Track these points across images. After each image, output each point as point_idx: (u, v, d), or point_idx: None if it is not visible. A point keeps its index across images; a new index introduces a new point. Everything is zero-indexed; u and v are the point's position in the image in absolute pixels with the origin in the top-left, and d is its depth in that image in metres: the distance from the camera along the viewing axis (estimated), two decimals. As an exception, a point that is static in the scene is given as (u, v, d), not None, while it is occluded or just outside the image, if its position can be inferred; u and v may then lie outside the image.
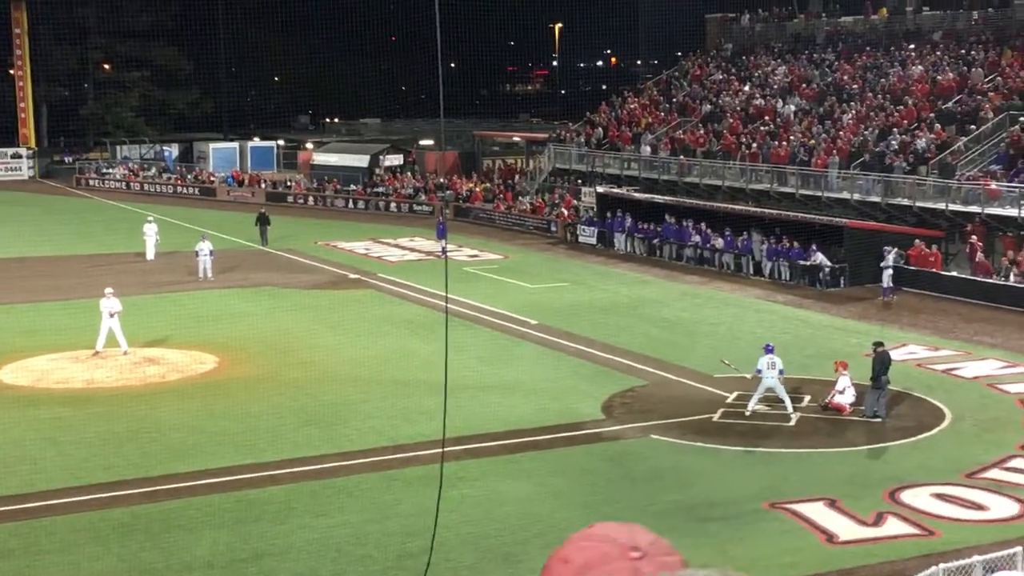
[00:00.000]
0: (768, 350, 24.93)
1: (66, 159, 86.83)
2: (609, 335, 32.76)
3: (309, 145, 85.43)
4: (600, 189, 53.03)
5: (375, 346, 31.66)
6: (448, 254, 45.52)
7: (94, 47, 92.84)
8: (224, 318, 35.06)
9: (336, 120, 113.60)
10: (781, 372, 24.71)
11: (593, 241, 50.30)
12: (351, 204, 65.83)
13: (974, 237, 39.55)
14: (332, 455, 22.16)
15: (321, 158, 75.11)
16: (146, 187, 74.76)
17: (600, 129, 61.40)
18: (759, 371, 24.69)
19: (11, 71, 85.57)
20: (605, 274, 43.89)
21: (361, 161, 71.66)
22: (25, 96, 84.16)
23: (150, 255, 45.54)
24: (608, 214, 50.38)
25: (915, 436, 23.47)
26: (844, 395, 24.81)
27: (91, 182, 77.61)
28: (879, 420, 24.19)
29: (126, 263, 45.06)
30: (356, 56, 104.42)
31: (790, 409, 24.59)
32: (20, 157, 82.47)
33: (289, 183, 70.98)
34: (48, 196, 72.64)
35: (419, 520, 18.17)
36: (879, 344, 25.32)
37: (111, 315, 29.82)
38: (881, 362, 24.58)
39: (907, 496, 19.86)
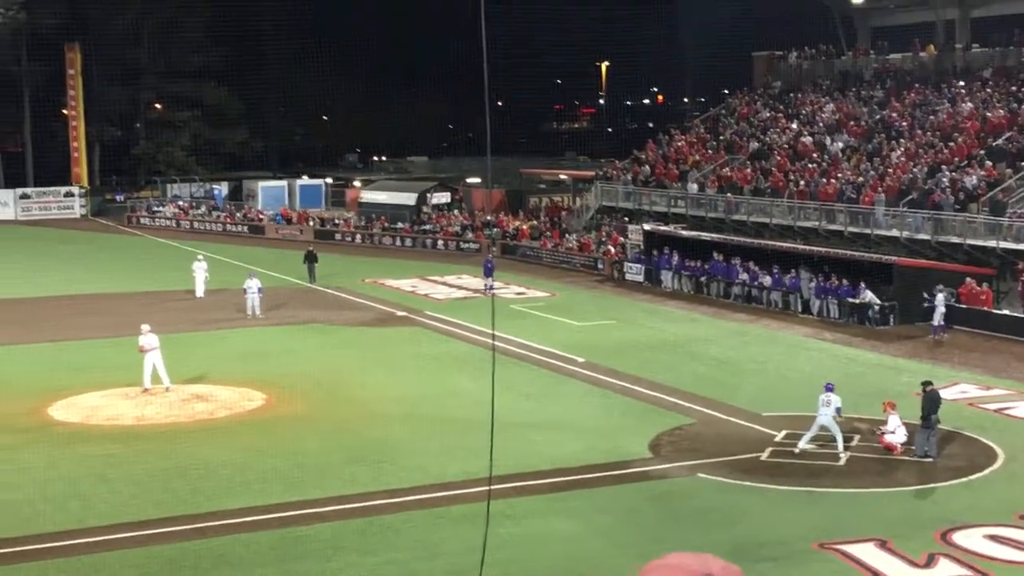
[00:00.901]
0: (828, 388, 24.72)
1: (117, 197, 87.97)
2: (656, 373, 32.63)
3: (357, 183, 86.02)
4: (647, 227, 52.97)
5: (422, 383, 31.70)
6: (495, 292, 45.74)
7: (146, 87, 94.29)
8: (272, 355, 35.27)
9: (384, 158, 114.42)
10: (839, 411, 24.53)
11: (640, 279, 50.20)
12: (398, 242, 66.14)
13: (1026, 275, 39.13)
14: (379, 493, 22.16)
15: (369, 196, 75.57)
16: (196, 225, 75.52)
17: (647, 167, 61.42)
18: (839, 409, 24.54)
19: (64, 111, 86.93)
20: (652, 312, 43.76)
21: (408, 199, 72.02)
22: (78, 136, 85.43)
23: (199, 292, 45.92)
24: (655, 252, 50.30)
25: (967, 476, 23.15)
26: (895, 435, 24.54)
27: (142, 220, 78.55)
28: (931, 460, 23.91)
29: (176, 300, 45.45)
30: (404, 95, 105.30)
31: (840, 448, 24.34)
32: (72, 196, 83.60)
33: (337, 221, 71.44)
34: (99, 234, 73.57)
35: (466, 558, 18.10)
36: (928, 383, 25.05)
37: (147, 351, 30.03)
38: (931, 401, 24.33)
39: (959, 537, 19.57)
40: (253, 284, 42.03)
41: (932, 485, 22.77)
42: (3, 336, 38.35)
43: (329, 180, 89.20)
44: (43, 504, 21.59)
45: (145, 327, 30.69)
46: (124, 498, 21.98)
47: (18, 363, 34.42)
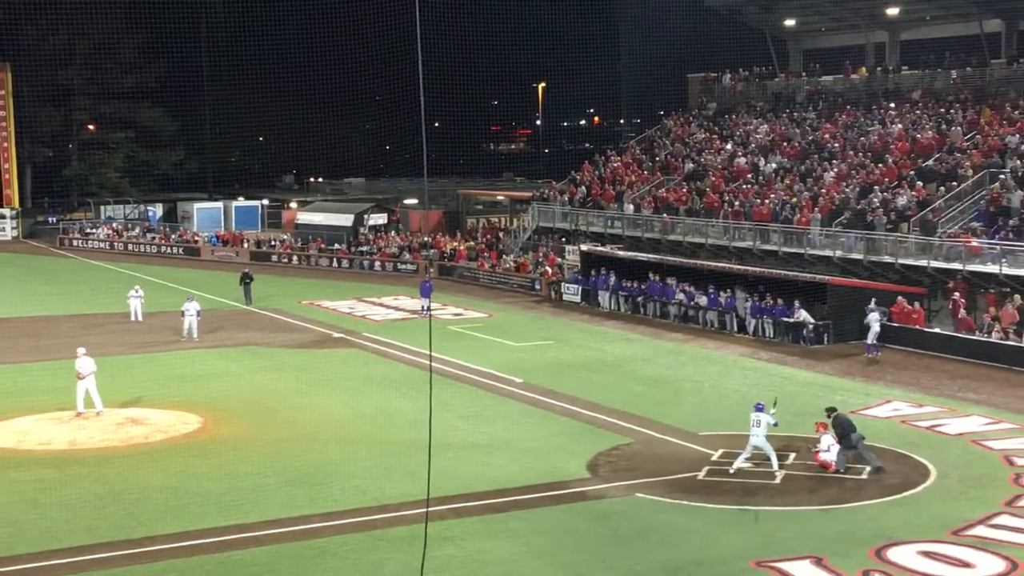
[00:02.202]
0: (758, 408, 24.96)
1: (50, 219, 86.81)
2: (594, 393, 32.73)
3: (293, 204, 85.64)
4: (584, 247, 53.22)
5: (359, 405, 31.56)
6: (432, 313, 45.67)
7: (79, 108, 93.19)
8: (208, 378, 34.95)
9: (320, 179, 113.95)
10: (775, 424, 24.81)
11: (577, 299, 50.37)
12: (335, 263, 65.88)
13: (956, 294, 39.74)
14: (316, 515, 22.00)
15: (305, 217, 75.31)
16: (130, 247, 74.75)
17: (583, 187, 61.72)
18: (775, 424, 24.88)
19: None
20: (590, 332, 43.92)
21: (345, 220, 71.87)
22: (9, 157, 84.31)
23: (137, 317, 45.31)
24: (592, 272, 50.51)
25: (900, 493, 23.43)
26: (829, 453, 24.81)
27: (75, 242, 77.61)
28: (881, 470, 24.37)
29: (111, 323, 44.90)
30: (340, 116, 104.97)
31: (775, 467, 24.55)
32: (3, 218, 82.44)
33: (274, 242, 71.05)
34: (31, 256, 72.59)
35: (404, 581, 18.02)
36: (831, 409, 25.56)
37: (84, 376, 29.70)
38: (840, 425, 24.86)
39: (893, 554, 19.79)
40: (192, 307, 41.73)
41: (866, 502, 23.01)
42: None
43: (265, 201, 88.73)
44: (-28, 531, 21.20)
45: (81, 350, 30.34)
46: (56, 524, 21.64)
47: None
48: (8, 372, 35.68)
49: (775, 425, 24.99)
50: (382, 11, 68.97)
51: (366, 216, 72.80)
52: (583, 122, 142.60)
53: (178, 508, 22.55)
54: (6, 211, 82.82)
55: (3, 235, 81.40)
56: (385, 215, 74.22)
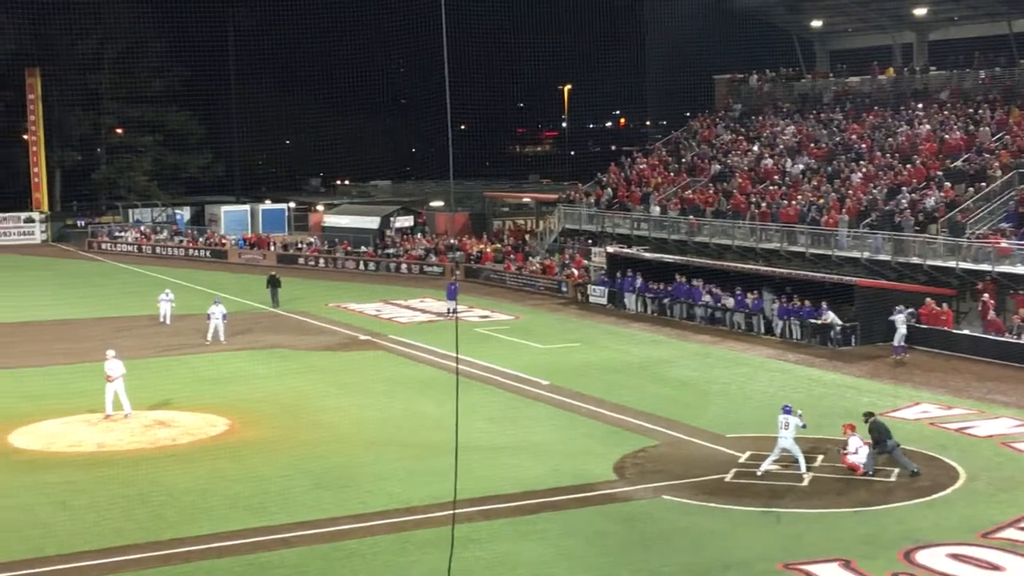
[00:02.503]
0: (786, 411, 24.86)
1: (79, 223, 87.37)
2: (620, 395, 32.70)
3: (320, 207, 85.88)
4: (610, 249, 53.16)
5: (386, 408, 31.63)
6: (459, 315, 45.70)
7: (107, 112, 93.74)
8: (235, 380, 35.10)
9: (347, 182, 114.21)
10: (803, 426, 24.74)
11: (604, 301, 50.32)
12: (362, 266, 66.03)
13: (986, 295, 39.49)
14: (344, 518, 22.06)
15: (332, 220, 75.47)
16: (158, 250, 75.14)
17: (610, 189, 61.66)
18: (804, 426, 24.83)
19: (25, 136, 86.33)
20: (616, 334, 43.87)
21: (372, 223, 72.00)
22: (39, 161, 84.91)
23: (166, 320, 45.45)
24: (619, 274, 50.46)
25: (929, 496, 23.31)
26: (857, 455, 24.70)
27: (103, 245, 78.08)
28: (917, 475, 24.28)
29: (140, 326, 45.13)
30: (367, 118, 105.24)
31: (803, 469, 24.46)
32: (33, 221, 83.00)
33: (300, 245, 71.29)
34: (60, 260, 73.06)
35: (431, 583, 18.05)
36: (869, 414, 25.42)
37: (114, 379, 29.89)
38: (877, 431, 24.70)
39: (922, 556, 19.69)
40: (218, 310, 41.89)
41: (895, 505, 22.89)
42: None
43: (292, 204, 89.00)
44: (1, 533, 21.34)
45: (110, 353, 30.54)
46: (85, 526, 21.78)
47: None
48: (37, 375, 35.92)
49: (803, 427, 24.91)
50: (408, 13, 69.15)
51: (392, 219, 72.92)
52: (609, 124, 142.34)
53: (207, 510, 22.65)
54: (36, 215, 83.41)
55: (33, 239, 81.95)
56: (411, 218, 74.31)
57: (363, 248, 68.02)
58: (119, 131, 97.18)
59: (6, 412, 30.84)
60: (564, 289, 54.16)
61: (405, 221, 73.39)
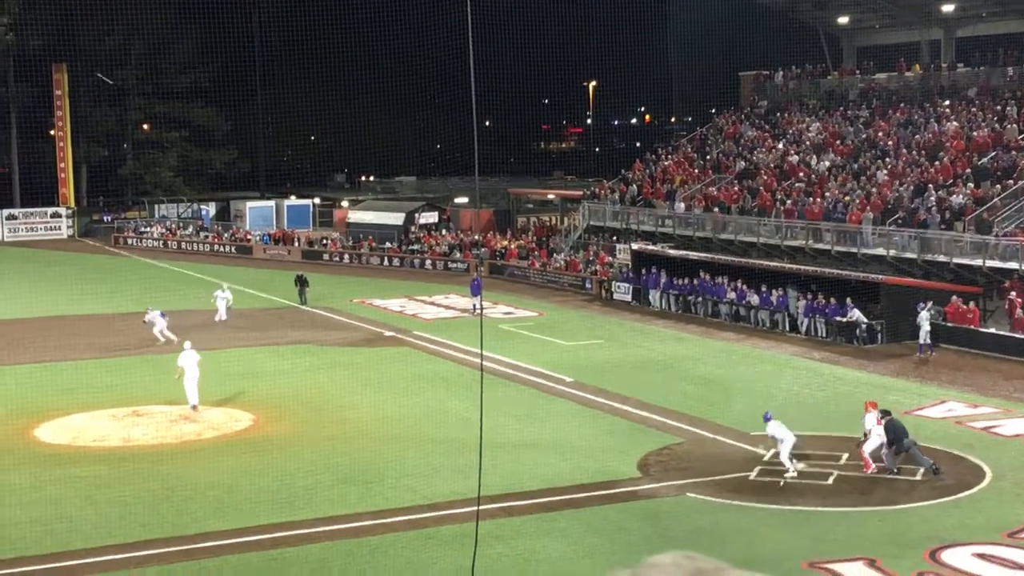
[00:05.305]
0: (766, 419, 24.90)
1: (105, 218, 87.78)
2: (644, 392, 32.65)
3: (344, 203, 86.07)
4: (635, 246, 53.07)
5: (410, 404, 31.68)
6: (483, 311, 45.70)
7: (133, 108, 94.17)
8: (260, 375, 35.23)
9: (371, 178, 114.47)
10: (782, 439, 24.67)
11: (628, 298, 50.25)
12: (386, 262, 66.14)
13: (1013, 293, 39.24)
14: (367, 513, 22.12)
15: (357, 216, 75.65)
16: (183, 245, 75.44)
17: (634, 186, 61.55)
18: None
19: (51, 132, 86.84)
20: (640, 331, 43.82)
21: (396, 219, 72.14)
22: (65, 156, 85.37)
23: (222, 316, 45.57)
24: (643, 271, 50.38)
25: (955, 495, 23.19)
26: (870, 438, 24.51)
27: (129, 241, 78.45)
28: (938, 471, 24.16)
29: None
30: (392, 115, 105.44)
31: (787, 464, 24.39)
32: (59, 216, 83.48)
33: (325, 241, 71.47)
34: (87, 255, 73.44)
35: (454, 579, 18.06)
36: (886, 413, 25.21)
37: (185, 371, 30.26)
38: (893, 431, 24.48)
39: (948, 556, 19.60)
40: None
41: (920, 504, 22.80)
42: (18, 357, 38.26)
43: (317, 200, 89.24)
44: (29, 526, 21.49)
45: (187, 343, 30.93)
46: (111, 520, 21.90)
47: (5, 384, 34.24)
48: (64, 369, 36.11)
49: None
50: (434, 10, 69.17)
51: (417, 215, 73.03)
52: (634, 120, 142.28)
53: (231, 505, 22.76)
54: (62, 210, 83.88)
55: (59, 234, 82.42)
56: (436, 214, 74.41)
57: (387, 244, 68.13)
58: (145, 127, 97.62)
59: (34, 406, 31.03)
60: (588, 286, 54.10)
61: (430, 217, 73.48)
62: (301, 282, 50.78)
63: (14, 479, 24.58)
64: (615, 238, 58.42)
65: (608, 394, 32.50)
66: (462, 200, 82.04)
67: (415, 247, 67.05)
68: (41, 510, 22.46)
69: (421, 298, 52.23)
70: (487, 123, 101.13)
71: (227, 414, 30.28)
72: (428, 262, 64.59)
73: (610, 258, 55.18)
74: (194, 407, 30.15)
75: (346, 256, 68.06)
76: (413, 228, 70.96)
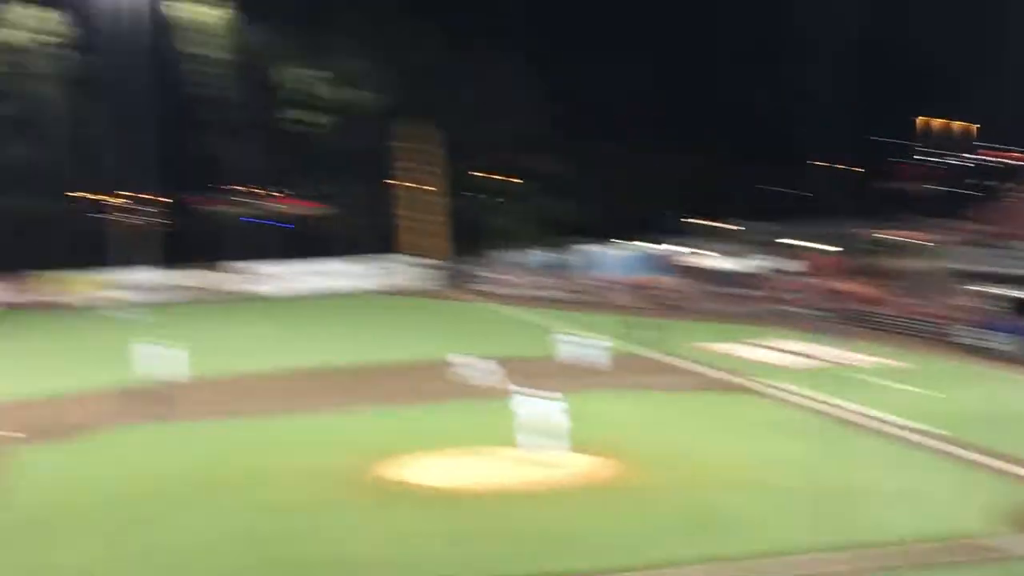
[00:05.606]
0: None
1: (466, 268, 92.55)
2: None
3: (685, 248, 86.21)
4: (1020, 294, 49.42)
5: (758, 451, 30.54)
6: (838, 360, 44.03)
7: (499, 162, 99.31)
8: (604, 420, 34.73)
9: (714, 223, 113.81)
10: None
11: (1009, 348, 46.12)
12: (729, 306, 65.38)
13: None
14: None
15: (697, 260, 75.85)
16: (538, 293, 77.78)
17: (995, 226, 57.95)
18: None
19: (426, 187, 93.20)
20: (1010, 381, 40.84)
21: (737, 264, 71.67)
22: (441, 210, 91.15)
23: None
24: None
25: None
26: None
27: (486, 288, 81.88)
28: None
29: (520, 365, 45.32)
30: (735, 160, 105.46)
31: None
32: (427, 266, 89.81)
33: (666, 286, 71.78)
34: (451, 303, 77.50)
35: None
36: None
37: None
38: None
39: None
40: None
41: None
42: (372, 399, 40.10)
43: (662, 245, 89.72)
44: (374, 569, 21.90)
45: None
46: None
47: (377, 427, 35.56)
48: (430, 412, 37.16)
49: None
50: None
51: (759, 259, 72.14)
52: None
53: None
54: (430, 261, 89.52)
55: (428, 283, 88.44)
56: (783, 258, 73.11)
57: (731, 289, 67.41)
58: (511, 179, 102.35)
59: (392, 447, 31.85)
60: (954, 333, 50.85)
61: (776, 262, 72.32)
62: (639, 327, 50.58)
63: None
64: (983, 281, 54.74)
65: (991, 452, 29.51)
66: (810, 244, 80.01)
67: (760, 292, 65.87)
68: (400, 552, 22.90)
69: (767, 344, 50.87)
70: (839, 165, 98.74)
71: (579, 458, 29.90)
72: (776, 307, 63.18)
73: (976, 304, 51.97)
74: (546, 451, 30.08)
75: (687, 300, 67.86)
76: (759, 272, 70.01)
